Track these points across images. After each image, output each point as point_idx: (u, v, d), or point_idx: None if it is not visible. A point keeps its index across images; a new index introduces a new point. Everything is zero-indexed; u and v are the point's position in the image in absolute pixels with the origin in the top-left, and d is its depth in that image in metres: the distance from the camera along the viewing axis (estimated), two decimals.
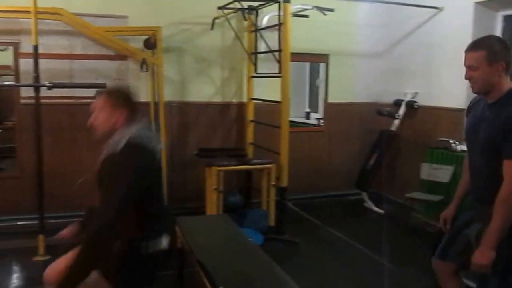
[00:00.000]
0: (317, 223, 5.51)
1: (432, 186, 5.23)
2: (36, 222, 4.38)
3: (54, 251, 4.31)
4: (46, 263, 4.15)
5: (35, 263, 4.20)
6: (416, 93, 5.91)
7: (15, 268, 4.15)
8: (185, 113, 5.67)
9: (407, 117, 6.00)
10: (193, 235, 3.15)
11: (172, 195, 5.20)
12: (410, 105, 5.91)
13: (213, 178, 4.71)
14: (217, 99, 5.83)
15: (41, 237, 4.27)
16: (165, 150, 4.96)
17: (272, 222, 4.94)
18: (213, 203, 4.74)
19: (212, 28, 5.55)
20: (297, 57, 5.48)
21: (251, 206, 5.48)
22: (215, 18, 5.49)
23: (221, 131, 5.87)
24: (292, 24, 4.79)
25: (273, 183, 4.89)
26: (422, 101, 5.82)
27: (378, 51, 6.45)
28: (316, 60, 6.72)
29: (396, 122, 6.01)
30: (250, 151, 5.68)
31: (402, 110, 5.98)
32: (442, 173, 5.08)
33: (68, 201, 5.21)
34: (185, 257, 3.29)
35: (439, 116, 5.54)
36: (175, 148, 5.59)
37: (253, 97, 5.71)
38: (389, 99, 6.23)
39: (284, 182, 4.88)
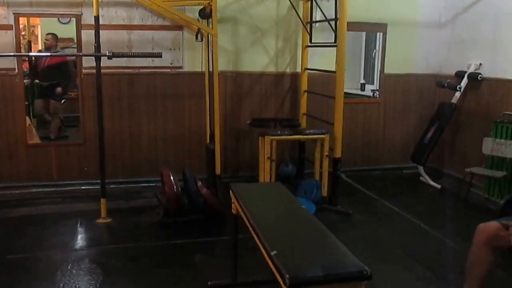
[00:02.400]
0: (370, 195, 5.47)
1: (495, 162, 5.06)
2: (98, 187, 4.59)
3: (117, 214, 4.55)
4: (108, 225, 4.42)
5: (98, 225, 4.42)
6: (480, 64, 5.66)
7: (80, 229, 4.39)
8: (239, 83, 5.71)
9: (469, 90, 5.78)
10: (248, 201, 3.18)
11: (226, 163, 5.30)
12: (474, 77, 5.66)
13: (266, 148, 4.75)
14: (271, 69, 5.83)
15: (103, 200, 4.47)
16: (219, 119, 5.04)
17: (324, 192, 4.94)
18: (266, 173, 4.79)
19: None
20: (354, 26, 5.35)
21: (304, 176, 5.50)
22: None
23: (274, 101, 5.88)
24: None
25: (327, 153, 4.87)
26: (486, 73, 5.57)
27: (440, 20, 6.21)
28: (373, 29, 6.56)
29: (457, 94, 5.79)
30: (303, 121, 5.67)
31: (464, 82, 5.75)
32: (508, 149, 4.89)
33: (128, 166, 5.44)
34: (239, 223, 3.35)
35: (506, 89, 5.30)
36: (229, 118, 5.67)
37: (308, 67, 5.67)
38: (451, 70, 6.02)
39: (338, 153, 4.85)
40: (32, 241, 4.07)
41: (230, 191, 3.29)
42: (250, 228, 2.85)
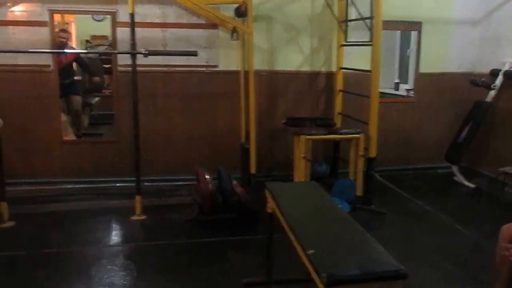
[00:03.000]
0: (404, 195, 5.37)
1: None
2: (133, 184, 4.62)
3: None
4: (142, 223, 4.44)
5: (132, 222, 4.45)
6: None
7: (114, 226, 4.42)
8: (273, 82, 5.68)
9: (505, 88, 5.62)
10: (283, 200, 3.15)
11: (260, 162, 5.27)
12: (509, 75, 5.52)
13: (301, 147, 4.70)
14: (306, 68, 5.77)
15: (138, 198, 4.50)
16: (254, 118, 5.02)
17: (359, 192, 4.86)
18: (300, 172, 4.74)
19: None
20: (389, 25, 5.28)
21: (338, 176, 5.43)
22: None
23: (309, 100, 5.82)
24: None
25: (361, 153, 4.79)
26: None
27: (474, 18, 6.05)
28: (408, 28, 6.42)
29: (492, 93, 5.65)
30: (338, 121, 5.60)
31: (499, 80, 5.60)
32: None
33: (162, 164, 5.46)
34: (275, 222, 3.32)
35: None
36: (264, 117, 5.64)
37: (342, 66, 5.59)
38: (485, 68, 5.86)
39: (373, 153, 4.78)
40: (68, 236, 4.12)
41: (265, 190, 3.26)
42: (286, 227, 2.82)
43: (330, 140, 5.33)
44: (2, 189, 4.33)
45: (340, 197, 4.72)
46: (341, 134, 4.93)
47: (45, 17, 5.10)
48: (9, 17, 5.06)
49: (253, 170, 5.04)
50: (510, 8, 5.61)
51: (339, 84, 5.62)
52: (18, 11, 5.08)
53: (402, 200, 5.26)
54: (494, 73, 5.69)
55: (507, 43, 5.67)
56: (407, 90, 6.89)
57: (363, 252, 2.43)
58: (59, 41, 5.96)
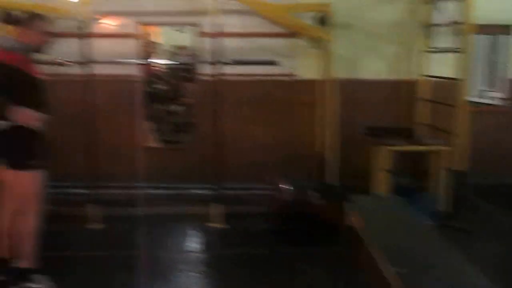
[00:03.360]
0: (494, 212, 5.05)
1: None
2: (211, 191, 4.68)
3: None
4: (220, 230, 4.49)
5: (211, 229, 4.51)
6: None
7: (193, 232, 4.50)
8: (353, 90, 5.54)
9: None
10: (365, 214, 3.07)
11: (338, 173, 5.17)
12: None
13: (382, 158, 4.57)
14: (387, 75, 5.59)
15: (217, 205, 4.55)
16: (332, 128, 4.94)
17: (444, 208, 4.64)
18: (380, 183, 4.60)
19: (383, 1, 5.31)
20: (480, 29, 5.00)
21: (420, 189, 5.20)
22: None
23: (389, 109, 5.63)
24: None
25: (447, 166, 4.56)
26: None
27: None
28: (498, 31, 6.06)
29: None
30: (421, 131, 5.37)
31: None
32: None
33: (239, 172, 5.49)
34: (355, 235, 3.23)
35: None
36: (342, 126, 5.51)
37: (426, 74, 5.37)
38: None
39: (459, 165, 4.54)
40: (149, 240, 4.24)
41: (347, 203, 3.19)
42: (368, 242, 2.74)
43: (411, 151, 5.13)
44: (92, 191, 4.57)
45: (423, 212, 4.52)
46: (425, 145, 4.74)
47: (134, 30, 5.33)
48: (102, 30, 5.33)
49: (330, 180, 4.95)
50: None
51: (422, 92, 5.40)
52: (109, 24, 5.35)
53: (492, 217, 4.97)
54: None
55: None
56: (498, 98, 6.50)
57: (452, 273, 2.32)
58: (147, 51, 6.21)
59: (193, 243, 4.31)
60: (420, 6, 5.36)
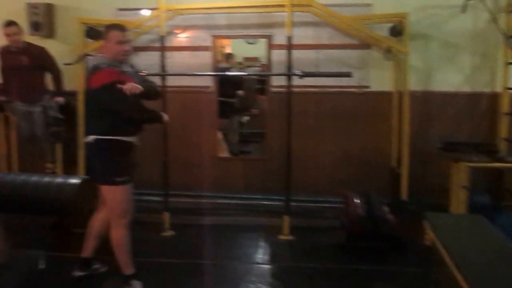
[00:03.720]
0: None
1: None
2: (280, 203, 4.66)
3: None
4: (289, 243, 4.45)
5: (280, 241, 4.48)
6: None
7: (261, 243, 4.48)
8: (429, 103, 5.35)
9: None
10: (444, 233, 2.93)
11: (411, 189, 4.99)
12: None
13: (460, 175, 4.35)
14: (466, 88, 5.35)
15: (286, 217, 4.52)
16: (406, 141, 4.79)
17: None
18: (458, 201, 4.38)
19: (463, 11, 5.09)
20: None
21: (502, 209, 4.91)
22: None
23: (468, 124, 5.37)
24: None
25: None
26: None
27: None
28: None
29: None
30: (503, 147, 5.09)
31: None
32: None
33: (309, 185, 5.44)
34: (431, 254, 3.09)
35: None
36: (417, 140, 5.32)
37: (509, 86, 5.09)
38: None
39: None
40: (218, 249, 4.29)
41: (425, 221, 3.06)
42: (449, 263, 2.61)
43: (493, 168, 4.86)
44: (166, 200, 4.69)
45: (504, 232, 4.25)
46: (509, 162, 4.46)
47: (209, 42, 5.46)
48: (177, 43, 5.49)
49: (404, 196, 4.78)
50: None
51: (505, 106, 5.12)
52: (185, 37, 5.52)
53: None
54: None
55: None
56: None
57: None
58: (220, 63, 6.38)
59: (261, 254, 4.29)
60: (502, 15, 5.11)
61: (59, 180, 3.98)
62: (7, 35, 4.92)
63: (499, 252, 2.73)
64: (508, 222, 4.37)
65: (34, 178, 3.96)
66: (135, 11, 5.45)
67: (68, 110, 5.21)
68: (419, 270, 3.29)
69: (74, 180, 3.95)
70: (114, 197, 3.31)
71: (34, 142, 5.22)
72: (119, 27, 3.36)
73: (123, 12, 5.47)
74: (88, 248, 3.60)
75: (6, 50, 5.04)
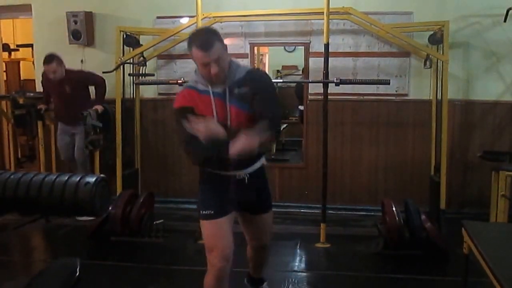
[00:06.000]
0: None
1: None
2: (317, 211, 4.67)
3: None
4: (327, 251, 4.45)
5: (317, 249, 4.48)
6: None
7: (298, 251, 4.49)
8: (468, 112, 5.29)
9: None
10: (484, 242, 2.89)
11: (451, 197, 4.95)
12: None
13: (501, 184, 4.28)
14: (507, 97, 5.26)
15: (323, 225, 4.52)
16: (446, 150, 4.74)
17: None
18: (500, 211, 4.30)
19: (505, 20, 5.02)
20: None
21: None
22: (510, 8, 4.95)
23: (509, 133, 5.29)
24: None
25: None
26: None
27: None
28: None
29: None
30: None
31: None
32: None
33: (346, 193, 5.44)
34: (471, 264, 3.05)
35: None
36: (456, 149, 5.28)
37: None
38: None
39: None
40: None
41: (463, 229, 3.02)
42: (489, 273, 2.57)
43: None
44: None
45: None
46: None
47: (247, 50, 5.54)
48: None
49: (443, 205, 4.72)
50: None
51: None
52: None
53: None
54: None
55: None
56: None
57: None
58: None
59: (298, 262, 4.30)
60: None
61: (74, 178, 3.57)
62: (48, 71, 5.04)
63: None
64: None
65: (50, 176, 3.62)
66: (174, 19, 5.57)
67: (107, 117, 5.30)
68: (456, 279, 3.23)
69: (90, 179, 3.57)
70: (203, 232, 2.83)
71: (72, 161, 5.38)
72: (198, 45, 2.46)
73: (161, 20, 5.61)
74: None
75: (48, 78, 5.14)
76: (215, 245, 2.68)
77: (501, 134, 5.28)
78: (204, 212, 2.72)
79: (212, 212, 2.70)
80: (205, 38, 2.47)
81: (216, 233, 2.72)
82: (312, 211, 5.15)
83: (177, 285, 3.75)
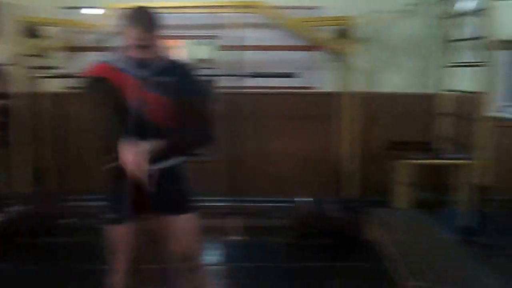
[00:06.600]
0: None
1: None
2: (230, 203, 4.67)
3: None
4: (239, 243, 4.46)
5: (230, 242, 4.49)
6: None
7: (213, 245, 4.47)
8: (372, 104, 5.49)
9: None
10: (387, 228, 3.04)
11: (357, 187, 5.14)
12: None
13: (403, 172, 4.53)
14: (407, 90, 5.54)
15: (237, 218, 4.54)
16: (351, 141, 4.92)
17: (468, 223, 4.56)
18: (402, 199, 4.56)
19: (405, 16, 5.29)
20: (504, 45, 5.04)
21: (443, 204, 5.13)
22: (409, 5, 5.23)
23: (409, 124, 5.56)
24: (500, 7, 4.49)
25: (471, 180, 4.51)
26: None
27: None
28: None
29: None
30: (442, 145, 5.31)
31: None
32: None
33: (257, 185, 5.48)
34: (376, 249, 3.20)
35: None
36: (361, 140, 5.47)
37: (447, 88, 5.33)
38: None
39: (484, 180, 4.47)
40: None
41: (368, 217, 3.16)
42: (390, 257, 2.71)
43: (433, 165, 5.07)
44: None
45: (446, 226, 4.45)
46: (448, 159, 4.68)
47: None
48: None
49: (349, 194, 4.91)
50: None
51: (442, 106, 5.36)
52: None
53: None
54: None
55: None
56: None
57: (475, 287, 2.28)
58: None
59: (213, 255, 4.30)
60: (441, 21, 5.35)
61: None
62: None
63: (436, 244, 2.87)
64: (448, 216, 4.59)
65: None
66: (80, 10, 5.29)
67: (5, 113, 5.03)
68: (366, 265, 3.38)
69: None
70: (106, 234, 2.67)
71: None
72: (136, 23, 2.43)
73: (68, 10, 5.28)
74: None
75: None
76: (118, 248, 2.57)
77: (401, 125, 5.54)
78: (108, 215, 2.58)
79: (116, 215, 2.54)
80: (145, 18, 2.41)
81: (120, 236, 2.57)
82: (226, 203, 5.14)
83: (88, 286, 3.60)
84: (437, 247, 2.86)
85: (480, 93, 4.55)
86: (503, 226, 4.92)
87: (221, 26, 5.32)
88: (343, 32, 5.05)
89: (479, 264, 2.63)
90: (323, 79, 5.45)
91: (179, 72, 2.48)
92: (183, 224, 2.66)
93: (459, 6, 5.14)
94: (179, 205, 2.63)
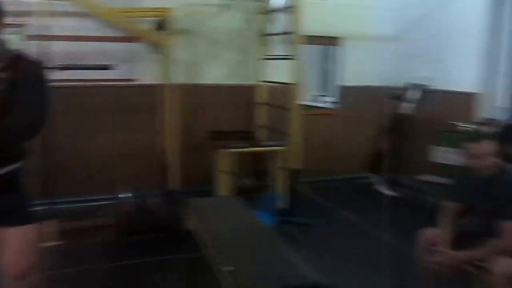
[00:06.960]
0: (329, 206, 5.47)
1: (445, 169, 5.14)
2: (43, 207, 4.32)
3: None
4: (55, 248, 4.13)
5: (47, 248, 4.14)
6: (429, 77, 5.82)
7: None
8: (194, 95, 5.57)
9: (421, 101, 5.93)
10: (204, 217, 3.10)
11: (182, 178, 5.17)
12: (423, 89, 5.90)
13: (224, 161, 4.67)
14: (228, 81, 5.75)
15: (52, 221, 4.21)
16: (175, 133, 4.92)
17: (284, 205, 4.88)
18: (224, 186, 4.70)
19: (223, 10, 5.44)
20: (310, 39, 5.40)
21: (262, 189, 5.41)
22: None
23: (231, 114, 5.79)
24: (306, 6, 4.82)
25: (284, 165, 4.83)
26: (436, 85, 5.77)
27: (392, 34, 6.31)
28: (329, 43, 6.59)
29: (409, 105, 5.95)
30: (261, 133, 5.60)
31: (415, 94, 5.93)
32: (454, 156, 4.99)
33: (77, 184, 5.18)
34: (195, 239, 3.23)
35: (452, 99, 5.51)
36: (185, 131, 5.51)
37: (264, 79, 5.64)
38: (403, 83, 6.14)
39: (296, 164, 4.83)
40: None
41: (187, 207, 3.18)
42: (205, 244, 2.76)
43: (252, 153, 5.32)
44: None
45: (265, 210, 4.71)
46: (263, 146, 4.95)
47: None
48: None
49: (174, 186, 4.91)
50: (424, 26, 5.90)
51: (260, 96, 5.66)
52: None
53: (327, 211, 5.34)
54: (410, 87, 6.02)
55: (421, 59, 5.96)
56: (332, 102, 7.05)
57: (284, 267, 2.42)
58: None
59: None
60: (257, 16, 5.62)
61: None
62: None
63: (251, 229, 2.99)
64: (267, 199, 4.86)
65: None
66: None
67: None
68: (187, 255, 3.39)
69: None
70: None
71: None
72: None
73: None
74: None
75: None
76: None
77: (224, 115, 5.75)
78: None
79: None
80: None
81: None
82: (38, 207, 4.74)
83: None
84: (251, 231, 2.99)
85: (292, 84, 4.85)
86: (311, 206, 5.39)
87: (28, 13, 4.89)
88: (162, 23, 5.00)
89: (288, 244, 2.79)
90: (144, 71, 5.35)
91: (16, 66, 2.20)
92: (16, 238, 2.36)
93: (273, 2, 5.45)
94: (11, 216, 2.33)
